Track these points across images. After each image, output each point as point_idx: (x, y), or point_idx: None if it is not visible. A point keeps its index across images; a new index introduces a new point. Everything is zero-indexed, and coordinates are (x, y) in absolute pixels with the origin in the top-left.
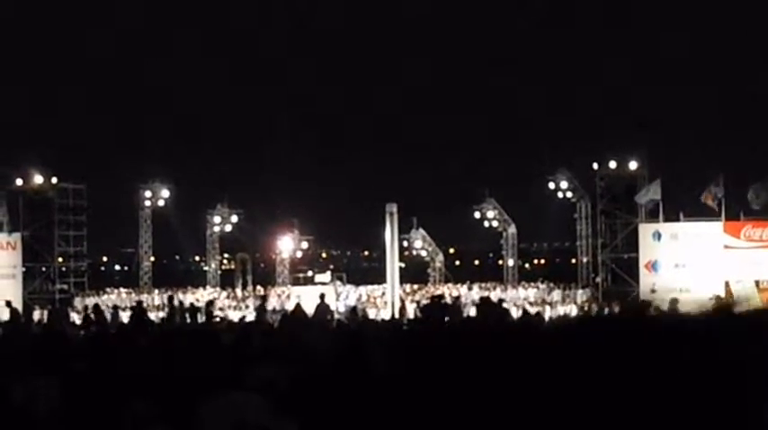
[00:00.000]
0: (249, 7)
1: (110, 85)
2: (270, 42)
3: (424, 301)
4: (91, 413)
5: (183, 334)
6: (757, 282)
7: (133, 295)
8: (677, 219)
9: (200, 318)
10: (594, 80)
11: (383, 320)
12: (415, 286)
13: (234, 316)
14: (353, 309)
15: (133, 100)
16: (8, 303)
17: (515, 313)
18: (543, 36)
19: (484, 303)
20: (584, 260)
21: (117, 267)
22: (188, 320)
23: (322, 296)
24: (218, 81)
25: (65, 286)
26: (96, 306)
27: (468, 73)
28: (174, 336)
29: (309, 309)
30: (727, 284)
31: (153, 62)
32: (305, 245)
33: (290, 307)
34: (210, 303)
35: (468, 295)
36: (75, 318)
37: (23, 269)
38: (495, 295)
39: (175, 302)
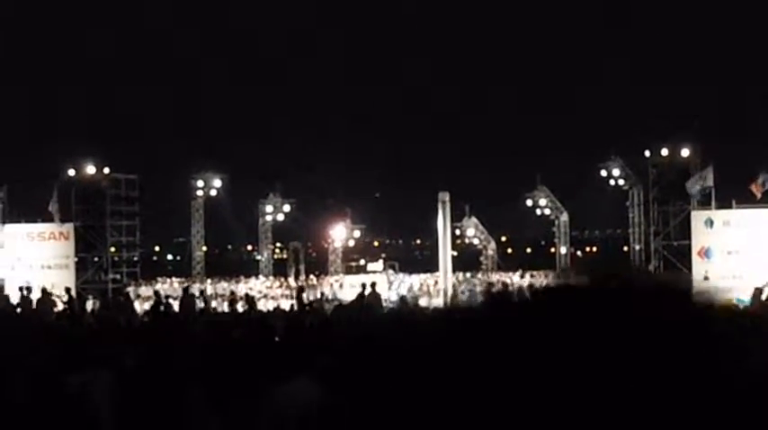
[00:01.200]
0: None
1: (164, 78)
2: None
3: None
4: (147, 403)
5: (237, 323)
6: None
7: (186, 285)
8: (730, 206)
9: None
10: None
11: (435, 308)
12: (468, 274)
13: (287, 305)
14: (403, 298)
15: (184, 90)
16: (67, 290)
17: None
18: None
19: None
20: (637, 247)
21: (169, 257)
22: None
23: (373, 285)
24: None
25: (117, 276)
26: (157, 293)
27: (519, 64)
28: (230, 326)
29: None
30: None
31: (208, 51)
32: (357, 233)
33: (342, 296)
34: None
35: (520, 283)
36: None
37: (76, 259)
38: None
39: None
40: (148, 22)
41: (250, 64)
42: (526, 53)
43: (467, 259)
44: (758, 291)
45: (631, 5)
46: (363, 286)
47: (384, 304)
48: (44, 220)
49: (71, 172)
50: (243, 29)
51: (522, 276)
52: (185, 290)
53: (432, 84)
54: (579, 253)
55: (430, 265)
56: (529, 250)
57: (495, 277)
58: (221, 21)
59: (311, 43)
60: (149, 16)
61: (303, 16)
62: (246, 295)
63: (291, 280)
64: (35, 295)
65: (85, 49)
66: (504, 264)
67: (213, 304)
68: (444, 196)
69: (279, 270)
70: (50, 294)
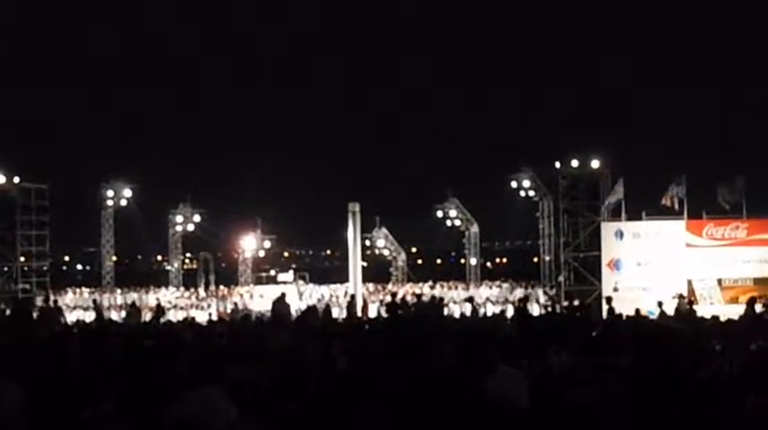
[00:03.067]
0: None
1: (76, 81)
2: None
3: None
4: (54, 414)
5: (147, 334)
6: (719, 281)
7: (95, 295)
8: (639, 218)
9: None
10: (559, 81)
11: (345, 319)
12: (379, 285)
13: (196, 315)
14: (313, 309)
15: (95, 96)
16: None
17: (479, 311)
18: (511, 37)
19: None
20: (547, 259)
21: (79, 267)
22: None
23: (282, 295)
24: (182, 82)
25: (27, 286)
26: (56, 302)
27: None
28: (139, 337)
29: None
30: (689, 283)
31: (115, 63)
32: (267, 244)
33: (253, 306)
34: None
35: (430, 294)
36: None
37: None
38: (457, 294)
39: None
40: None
41: (163, 66)
42: (430, 60)
43: (377, 270)
44: (681, 298)
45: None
46: (282, 296)
47: (294, 314)
48: None
49: None
50: (152, 29)
51: (431, 287)
52: (93, 301)
53: (345, 94)
54: (489, 264)
55: (341, 276)
56: (439, 261)
57: (406, 288)
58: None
59: (225, 43)
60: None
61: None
62: (158, 306)
63: (201, 290)
64: None
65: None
66: (415, 275)
67: (122, 314)
68: (354, 207)
69: (189, 280)
70: None
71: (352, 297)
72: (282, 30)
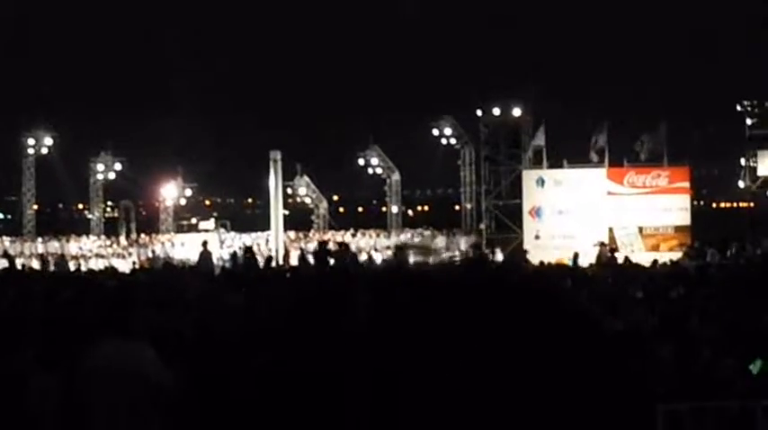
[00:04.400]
0: None
1: None
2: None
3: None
4: None
5: (66, 280)
6: (641, 229)
7: (17, 244)
8: (561, 166)
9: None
10: (479, 28)
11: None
12: (300, 233)
13: (118, 264)
14: (234, 255)
15: (15, 48)
16: None
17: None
18: None
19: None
20: (468, 207)
21: (0, 215)
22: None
23: (204, 243)
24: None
25: None
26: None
27: (357, 21)
28: (57, 283)
29: (193, 256)
30: (610, 230)
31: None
32: (189, 192)
33: (174, 254)
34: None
35: (353, 242)
36: None
37: None
38: (380, 242)
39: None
40: None
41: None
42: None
43: (299, 218)
44: (603, 246)
45: None
46: (204, 244)
47: (215, 262)
48: None
49: None
50: None
51: (353, 235)
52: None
53: (266, 42)
54: (411, 212)
55: (262, 224)
56: (361, 209)
57: (327, 236)
58: None
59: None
60: None
61: None
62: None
63: (123, 238)
64: None
65: None
66: (337, 223)
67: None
68: (276, 155)
69: (110, 229)
70: None
71: (257, 246)
72: None
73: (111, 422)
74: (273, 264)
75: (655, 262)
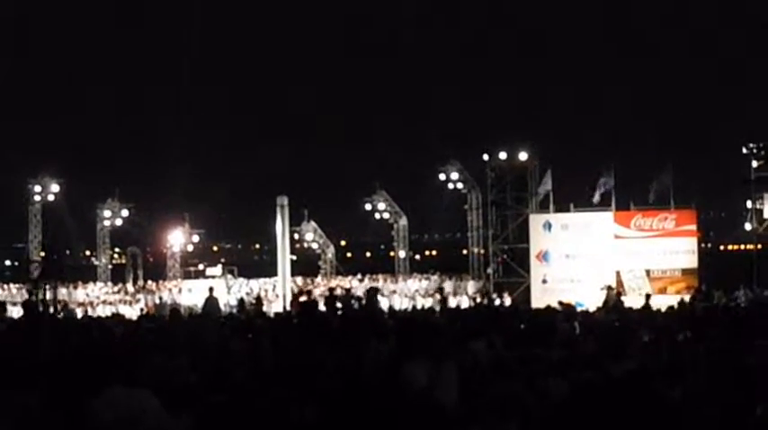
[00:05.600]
0: None
1: None
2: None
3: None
4: None
5: (76, 326)
6: (648, 271)
7: (23, 291)
8: (568, 210)
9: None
10: (486, 73)
11: (275, 313)
12: (308, 279)
13: (125, 310)
14: (241, 302)
15: (21, 95)
16: None
17: (407, 304)
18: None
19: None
20: (476, 251)
21: (7, 262)
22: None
23: (210, 290)
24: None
25: None
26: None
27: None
28: (69, 329)
29: (201, 302)
30: (618, 274)
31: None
32: (196, 238)
33: (182, 301)
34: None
35: (360, 287)
36: None
37: None
38: (386, 287)
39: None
40: None
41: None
42: (371, 52)
43: (306, 264)
44: (610, 289)
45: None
46: (210, 290)
47: (223, 308)
48: None
49: None
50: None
51: (360, 280)
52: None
53: (273, 87)
54: (418, 256)
55: (269, 270)
56: (368, 254)
57: (335, 282)
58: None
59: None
60: None
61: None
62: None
63: (130, 285)
64: None
65: None
66: (344, 268)
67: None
68: (283, 200)
69: (117, 275)
70: None
71: (265, 292)
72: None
73: None
74: (281, 309)
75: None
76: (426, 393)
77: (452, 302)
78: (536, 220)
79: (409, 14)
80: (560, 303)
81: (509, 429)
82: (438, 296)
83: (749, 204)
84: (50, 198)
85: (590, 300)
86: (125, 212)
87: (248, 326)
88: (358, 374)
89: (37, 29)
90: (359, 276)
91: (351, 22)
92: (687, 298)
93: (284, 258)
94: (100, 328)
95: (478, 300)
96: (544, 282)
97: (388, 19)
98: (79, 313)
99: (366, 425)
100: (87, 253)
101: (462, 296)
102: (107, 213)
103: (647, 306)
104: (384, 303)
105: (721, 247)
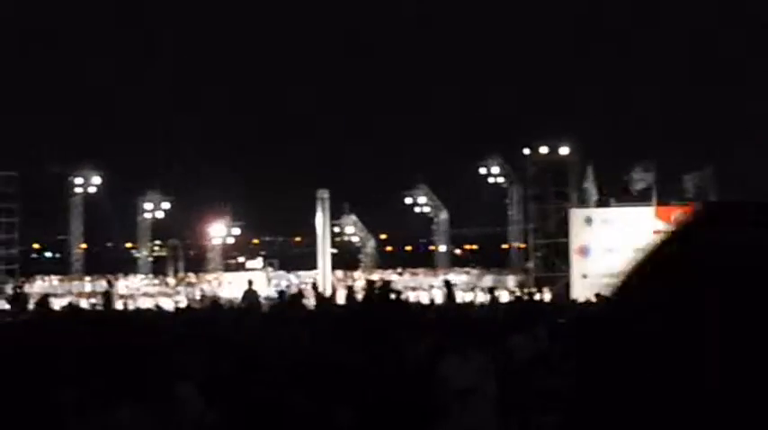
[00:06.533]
0: None
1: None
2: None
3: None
4: (19, 400)
5: (115, 321)
6: None
7: (65, 282)
8: (608, 205)
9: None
10: (527, 67)
11: (315, 306)
12: (348, 272)
13: (165, 303)
14: (282, 294)
15: (63, 86)
16: None
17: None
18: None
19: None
20: (516, 245)
21: (49, 254)
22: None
23: (250, 282)
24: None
25: None
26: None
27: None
28: (108, 324)
29: (240, 295)
30: None
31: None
32: (236, 231)
33: (222, 293)
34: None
35: (400, 282)
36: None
37: None
38: (426, 281)
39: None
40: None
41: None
42: (410, 49)
43: (346, 257)
44: None
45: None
46: (250, 283)
47: (262, 301)
48: None
49: None
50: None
51: (400, 274)
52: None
53: (312, 81)
54: (458, 250)
55: (310, 263)
56: (408, 248)
57: (375, 275)
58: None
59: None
60: None
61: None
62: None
63: (170, 277)
64: None
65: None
66: (384, 262)
67: (93, 301)
68: (323, 193)
69: (158, 267)
70: None
71: (314, 284)
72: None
73: None
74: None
75: None
76: (464, 386)
77: (486, 297)
78: (577, 215)
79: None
80: (597, 296)
81: (551, 423)
82: (445, 290)
83: None
84: (91, 190)
85: None
86: (166, 205)
87: (288, 319)
88: (396, 369)
89: (67, 24)
90: (399, 269)
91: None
92: None
93: (324, 251)
94: (141, 320)
95: (518, 294)
96: (584, 276)
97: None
98: (119, 305)
99: (403, 419)
100: (128, 245)
101: (503, 290)
102: (148, 205)
103: None
104: (423, 297)
105: None
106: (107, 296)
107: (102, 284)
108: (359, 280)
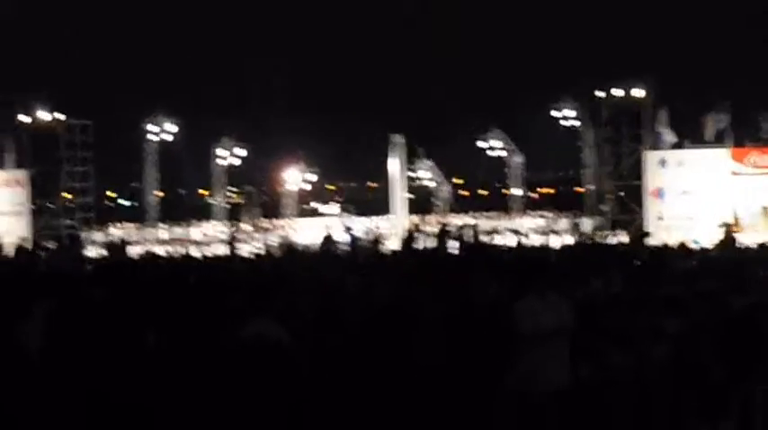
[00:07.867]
0: None
1: (117, 23)
2: None
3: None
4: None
5: (196, 266)
6: (765, 208)
7: (140, 230)
8: (682, 146)
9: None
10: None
11: (392, 251)
12: (421, 217)
13: (241, 249)
14: (357, 240)
15: (137, 34)
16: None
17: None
18: None
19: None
20: (590, 188)
21: (123, 203)
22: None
23: (327, 228)
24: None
25: (72, 222)
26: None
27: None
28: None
29: (316, 241)
30: (734, 211)
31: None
32: (312, 177)
33: (297, 239)
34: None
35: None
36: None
37: (33, 207)
38: (501, 224)
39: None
40: None
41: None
42: None
43: (420, 201)
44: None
45: None
46: (328, 229)
47: (340, 247)
48: None
49: (24, 118)
50: None
51: (475, 218)
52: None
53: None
54: (534, 194)
55: (385, 208)
56: (483, 192)
57: (448, 219)
58: None
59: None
60: None
61: None
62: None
63: (246, 224)
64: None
65: None
66: (459, 206)
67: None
68: (397, 138)
69: (233, 214)
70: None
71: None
72: None
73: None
74: (396, 247)
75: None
76: (542, 327)
77: (568, 240)
78: (651, 157)
79: None
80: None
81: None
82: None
83: None
84: (167, 137)
85: (707, 237)
86: (241, 151)
87: (364, 264)
88: (469, 311)
89: None
90: (473, 214)
91: None
92: None
93: (401, 196)
94: (218, 267)
95: (593, 237)
96: (660, 219)
97: None
98: (195, 252)
99: (482, 359)
100: (203, 192)
101: (577, 233)
102: (223, 152)
103: (764, 244)
104: (499, 241)
105: None
106: (232, 242)
107: (177, 231)
108: (430, 224)
